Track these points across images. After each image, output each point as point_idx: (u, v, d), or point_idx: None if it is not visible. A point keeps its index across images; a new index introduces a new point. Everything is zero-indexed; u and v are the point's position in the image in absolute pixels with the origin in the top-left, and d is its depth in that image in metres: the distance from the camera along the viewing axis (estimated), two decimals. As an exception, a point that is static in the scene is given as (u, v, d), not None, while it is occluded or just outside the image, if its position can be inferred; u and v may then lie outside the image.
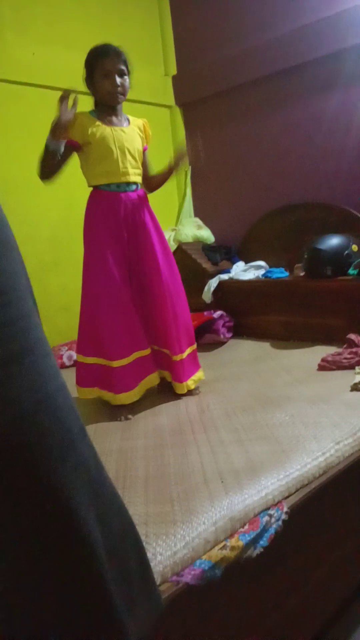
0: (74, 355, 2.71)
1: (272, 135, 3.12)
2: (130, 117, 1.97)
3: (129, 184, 1.90)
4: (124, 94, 1.86)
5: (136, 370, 1.93)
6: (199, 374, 2.08)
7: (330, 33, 2.71)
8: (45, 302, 2.89)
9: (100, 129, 1.84)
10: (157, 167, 2.07)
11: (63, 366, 2.69)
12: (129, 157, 1.87)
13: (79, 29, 3.01)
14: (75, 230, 2.90)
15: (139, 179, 1.94)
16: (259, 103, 3.15)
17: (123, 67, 1.82)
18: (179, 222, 3.52)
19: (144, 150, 1.99)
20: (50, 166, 1.81)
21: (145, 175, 2.01)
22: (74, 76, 2.90)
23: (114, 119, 1.90)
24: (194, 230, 3.38)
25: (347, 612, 1.52)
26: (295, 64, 2.89)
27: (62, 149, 1.79)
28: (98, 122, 1.85)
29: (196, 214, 3.57)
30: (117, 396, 1.87)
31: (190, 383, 2.02)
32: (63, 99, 1.72)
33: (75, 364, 2.01)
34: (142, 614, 0.77)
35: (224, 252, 3.27)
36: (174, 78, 3.51)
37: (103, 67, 1.80)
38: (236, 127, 3.30)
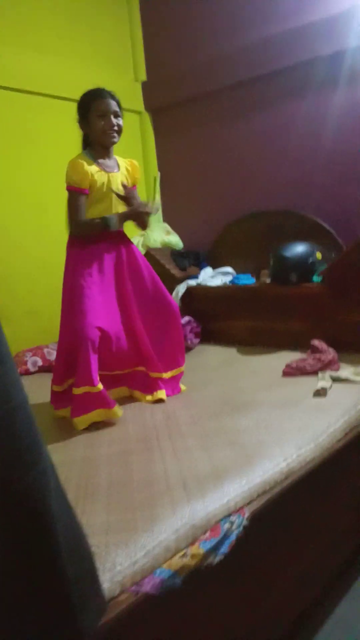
0: (39, 361, 2.68)
1: (241, 142, 3.16)
2: (119, 159, 2.03)
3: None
4: (119, 133, 1.93)
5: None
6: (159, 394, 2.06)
7: (300, 42, 2.76)
8: (12, 306, 2.84)
9: (100, 175, 1.91)
10: None
11: (27, 372, 2.64)
12: (115, 200, 1.96)
13: (48, 33, 2.99)
14: (44, 235, 2.89)
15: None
16: (229, 109, 3.19)
17: (117, 109, 1.91)
18: (148, 228, 3.51)
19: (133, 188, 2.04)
20: (91, 231, 1.93)
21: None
22: (44, 80, 2.91)
23: (107, 162, 1.96)
24: (162, 235, 3.39)
25: (317, 613, 1.54)
26: (266, 72, 2.93)
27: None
28: (97, 167, 1.91)
29: (165, 220, 3.57)
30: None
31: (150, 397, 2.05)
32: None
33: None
34: (91, 612, 0.83)
35: (193, 257, 3.28)
36: (144, 84, 3.51)
37: (99, 108, 1.87)
38: (206, 133, 3.33)
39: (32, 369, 2.65)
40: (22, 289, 2.88)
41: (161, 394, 2.03)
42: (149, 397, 2.04)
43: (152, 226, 3.48)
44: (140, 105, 3.52)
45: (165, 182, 3.58)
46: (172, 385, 2.11)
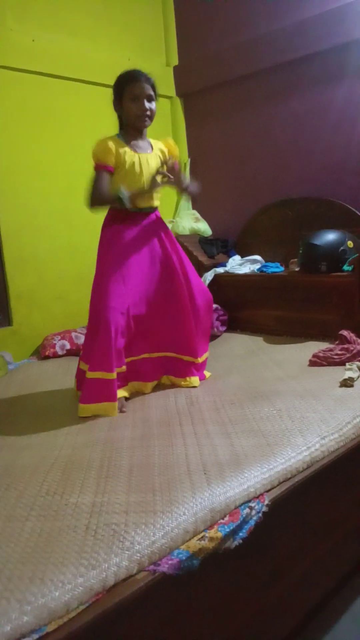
0: (67, 345, 2.72)
1: (273, 128, 3.10)
2: (152, 141, 2.01)
3: (149, 207, 1.97)
4: (151, 118, 1.91)
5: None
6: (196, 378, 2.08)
7: (336, 25, 2.68)
8: (41, 291, 2.89)
9: (129, 155, 1.89)
10: None
11: (56, 355, 2.69)
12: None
13: (80, 16, 2.99)
14: (72, 221, 2.92)
15: (158, 203, 2.00)
16: (261, 94, 3.13)
17: (151, 93, 1.88)
18: (177, 215, 3.51)
19: (175, 165, 1.93)
20: (105, 204, 1.91)
21: None
22: (75, 64, 2.92)
23: (139, 143, 1.94)
24: (191, 222, 3.37)
25: (328, 605, 1.54)
26: (301, 55, 2.86)
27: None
28: (127, 148, 1.89)
29: (194, 207, 3.55)
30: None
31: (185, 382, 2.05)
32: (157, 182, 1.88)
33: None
34: None
35: (221, 245, 3.26)
36: (176, 68, 3.48)
37: (132, 91, 1.85)
38: (237, 118, 3.28)
39: (60, 352, 2.70)
40: (50, 275, 2.92)
41: (195, 380, 2.04)
42: (183, 382, 2.04)
43: (180, 213, 3.47)
44: (171, 90, 3.49)
45: (195, 168, 3.56)
46: (201, 371, 2.12)
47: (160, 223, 2.04)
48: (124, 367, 1.93)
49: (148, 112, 1.88)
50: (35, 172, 2.81)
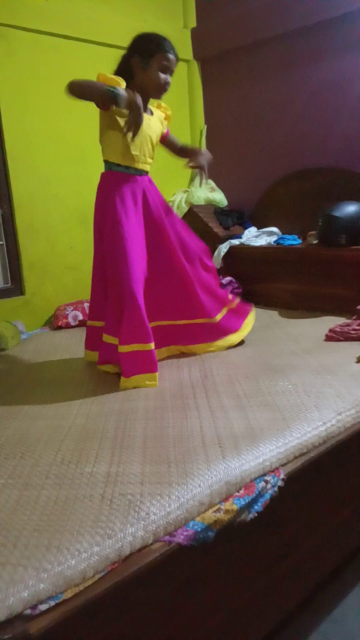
0: (80, 316, 2.71)
1: (293, 95, 2.99)
2: (152, 107, 1.96)
3: (143, 170, 1.92)
4: (166, 91, 1.87)
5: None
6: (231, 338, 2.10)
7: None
8: (53, 262, 2.86)
9: None
10: (170, 124, 2.05)
11: (68, 326, 2.69)
12: (149, 145, 1.90)
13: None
14: (85, 188, 2.86)
15: (149, 168, 1.96)
16: (281, 61, 3.01)
17: (174, 67, 1.84)
18: (192, 184, 3.43)
19: (167, 134, 2.01)
20: (89, 97, 1.72)
21: (174, 147, 2.11)
22: (90, 25, 2.81)
23: (144, 106, 1.87)
24: (206, 192, 3.30)
25: (337, 579, 1.55)
26: (324, 20, 2.74)
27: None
28: None
29: (210, 176, 3.46)
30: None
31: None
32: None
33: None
34: None
35: (237, 216, 3.20)
36: (193, 31, 3.35)
37: (162, 61, 1.79)
38: (256, 85, 3.17)
39: (72, 323, 2.69)
40: (62, 245, 2.89)
41: (229, 340, 2.08)
42: (218, 344, 2.05)
43: (195, 182, 3.40)
44: (189, 53, 3.37)
45: (211, 136, 3.46)
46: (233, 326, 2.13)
47: (152, 185, 1.98)
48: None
49: (167, 87, 1.85)
50: (47, 138, 2.75)
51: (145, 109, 1.91)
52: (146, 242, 1.94)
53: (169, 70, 1.82)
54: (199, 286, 2.03)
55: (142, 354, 1.78)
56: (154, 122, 1.94)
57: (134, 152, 1.85)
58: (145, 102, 1.89)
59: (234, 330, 2.12)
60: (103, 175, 1.92)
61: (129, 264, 1.80)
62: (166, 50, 1.79)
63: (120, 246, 1.82)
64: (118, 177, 1.88)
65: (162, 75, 1.81)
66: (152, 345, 1.80)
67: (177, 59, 1.84)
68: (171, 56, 1.80)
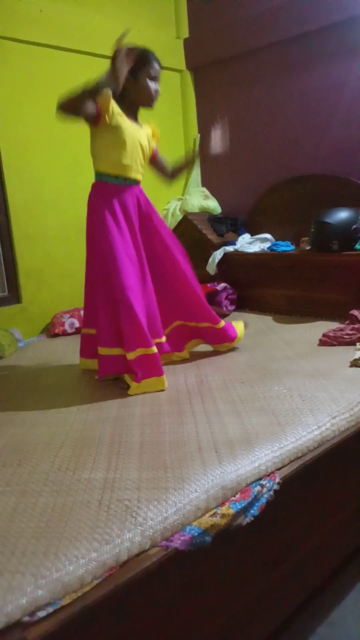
0: (76, 323, 2.72)
1: (285, 102, 3.03)
2: (141, 122, 1.99)
3: (135, 179, 1.94)
4: (156, 100, 1.92)
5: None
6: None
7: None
8: (50, 270, 2.87)
9: (125, 119, 1.85)
10: (164, 133, 2.06)
11: (65, 333, 2.69)
12: (140, 154, 1.92)
13: (88, -15, 2.90)
14: (80, 197, 2.87)
15: (141, 177, 1.97)
16: (273, 68, 3.05)
17: (160, 76, 1.91)
18: (186, 192, 3.46)
19: (156, 152, 2.04)
20: (80, 104, 1.72)
21: (166, 172, 2.13)
22: (83, 36, 2.84)
23: (133, 118, 1.92)
24: (200, 200, 3.33)
25: (335, 582, 1.55)
26: (313, 29, 2.78)
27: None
28: (124, 114, 1.86)
29: (203, 184, 3.50)
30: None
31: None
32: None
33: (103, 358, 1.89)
34: None
35: (230, 223, 3.22)
36: (186, 41, 3.39)
37: (151, 70, 1.86)
38: (248, 93, 3.21)
39: (69, 330, 2.70)
40: (58, 253, 2.90)
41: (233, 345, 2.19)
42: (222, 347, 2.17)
43: (190, 190, 3.42)
44: (181, 63, 3.41)
45: (204, 144, 3.49)
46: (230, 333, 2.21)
47: (144, 196, 2.00)
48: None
49: (158, 95, 1.90)
50: (43, 146, 2.77)
51: (135, 120, 1.93)
52: (147, 251, 1.97)
53: (157, 79, 1.89)
54: (200, 292, 2.11)
55: (147, 357, 1.81)
56: (145, 132, 1.96)
57: (125, 162, 1.86)
58: (135, 113, 1.93)
59: (232, 338, 2.18)
60: (93, 186, 1.94)
61: (121, 272, 1.82)
62: (153, 60, 1.86)
63: (111, 256, 1.84)
64: (108, 188, 1.90)
65: (153, 85, 1.87)
66: (155, 349, 1.82)
67: (161, 67, 1.90)
68: (157, 66, 1.88)
